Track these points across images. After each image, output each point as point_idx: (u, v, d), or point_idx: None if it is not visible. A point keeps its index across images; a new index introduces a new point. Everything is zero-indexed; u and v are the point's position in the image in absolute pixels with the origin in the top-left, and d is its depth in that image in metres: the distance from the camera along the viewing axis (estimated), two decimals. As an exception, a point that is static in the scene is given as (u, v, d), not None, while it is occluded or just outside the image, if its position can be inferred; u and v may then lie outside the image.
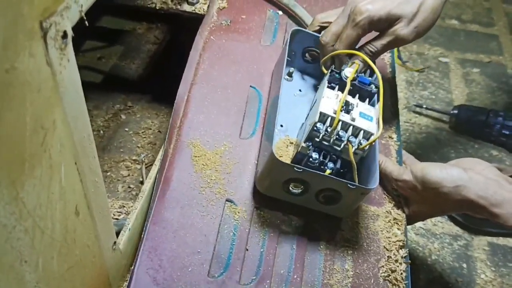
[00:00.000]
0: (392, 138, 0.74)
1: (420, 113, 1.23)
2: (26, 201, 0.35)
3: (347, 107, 0.60)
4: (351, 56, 0.65)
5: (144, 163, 0.86)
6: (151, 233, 0.59)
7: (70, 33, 0.37)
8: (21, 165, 0.34)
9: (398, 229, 0.65)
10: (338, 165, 0.59)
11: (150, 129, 0.94)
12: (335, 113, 0.58)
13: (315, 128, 0.58)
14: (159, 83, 1.03)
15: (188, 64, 0.74)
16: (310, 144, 0.59)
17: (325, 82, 0.64)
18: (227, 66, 0.76)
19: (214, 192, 0.63)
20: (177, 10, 0.89)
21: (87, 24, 0.40)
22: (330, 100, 0.60)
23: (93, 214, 0.47)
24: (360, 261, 0.61)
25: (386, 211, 0.67)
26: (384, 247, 0.63)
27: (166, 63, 1.08)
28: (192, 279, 0.56)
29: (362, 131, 0.59)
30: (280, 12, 0.87)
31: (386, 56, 0.85)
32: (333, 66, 0.66)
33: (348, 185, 0.57)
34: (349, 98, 0.61)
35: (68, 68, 0.38)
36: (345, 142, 0.58)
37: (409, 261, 0.62)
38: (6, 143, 0.32)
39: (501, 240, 0.94)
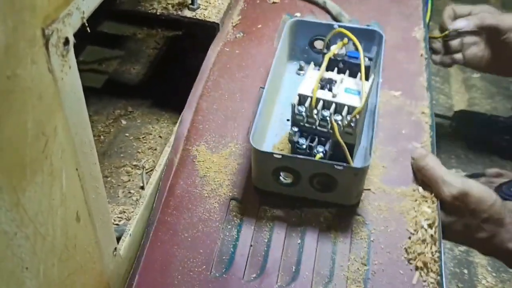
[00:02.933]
0: (425, 113, 0.71)
1: (420, 118, 1.23)
2: (27, 208, 0.35)
3: (329, 85, 0.57)
4: None
5: (144, 169, 0.86)
6: (153, 235, 0.58)
7: (72, 40, 0.37)
8: (22, 172, 0.34)
9: (429, 207, 0.60)
10: (327, 148, 0.57)
11: (151, 134, 0.93)
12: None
13: (296, 111, 0.56)
14: (160, 88, 1.03)
15: (198, 78, 0.75)
16: (297, 129, 0.57)
17: (311, 63, 0.62)
18: (236, 72, 0.77)
19: (219, 193, 0.62)
20: (178, 16, 0.90)
21: (89, 31, 0.40)
22: (311, 80, 0.58)
23: (93, 220, 0.47)
24: (382, 246, 0.58)
25: (413, 189, 0.62)
26: (410, 228, 0.59)
27: (167, 68, 1.08)
28: (194, 280, 0.56)
29: (346, 107, 0.56)
30: (298, 14, 0.86)
31: (418, 33, 0.84)
32: (326, 50, 0.63)
33: (335, 166, 0.54)
34: (333, 75, 0.58)
35: (70, 75, 0.38)
36: (329, 122, 0.56)
37: (442, 239, 0.57)
38: (7, 149, 0.32)
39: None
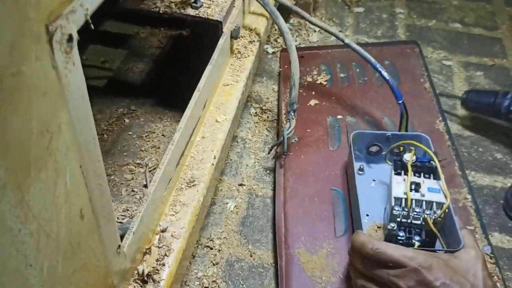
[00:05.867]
0: (468, 198, 0.83)
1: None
2: (31, 205, 0.35)
3: (415, 187, 0.70)
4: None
5: (147, 167, 0.86)
6: None
7: (75, 37, 0.37)
8: (27, 169, 0.34)
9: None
10: (423, 236, 0.68)
11: (154, 132, 0.94)
12: (406, 195, 0.69)
13: (393, 211, 0.68)
14: (163, 87, 1.03)
15: (277, 185, 0.88)
16: (394, 225, 0.68)
17: (391, 170, 0.74)
18: (307, 177, 0.88)
19: None
20: (180, 14, 0.90)
21: (93, 28, 0.40)
22: (399, 185, 0.71)
23: (97, 217, 0.47)
24: None
25: None
26: None
27: (170, 67, 1.08)
28: None
29: (434, 203, 0.68)
30: (340, 116, 0.98)
31: (440, 126, 0.96)
32: (395, 157, 0.77)
33: (437, 251, 0.64)
34: (415, 179, 0.71)
35: (74, 72, 0.38)
36: (423, 216, 0.67)
37: None
38: (12, 146, 0.32)
39: (506, 244, 0.93)
